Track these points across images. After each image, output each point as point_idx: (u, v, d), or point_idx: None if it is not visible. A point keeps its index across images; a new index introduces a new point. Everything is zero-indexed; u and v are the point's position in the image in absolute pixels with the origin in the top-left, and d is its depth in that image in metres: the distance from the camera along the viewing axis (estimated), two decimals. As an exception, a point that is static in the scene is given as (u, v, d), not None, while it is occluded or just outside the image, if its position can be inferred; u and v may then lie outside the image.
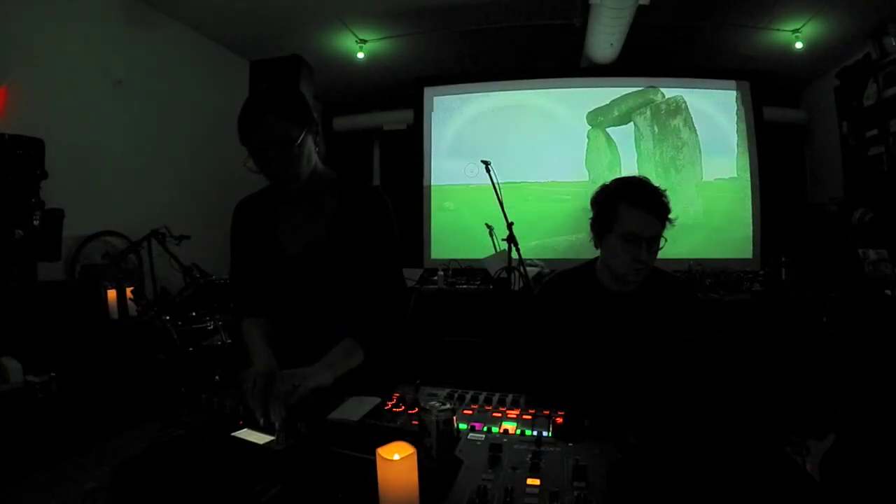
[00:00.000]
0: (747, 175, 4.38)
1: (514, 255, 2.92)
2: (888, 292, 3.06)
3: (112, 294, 2.83)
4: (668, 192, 1.34)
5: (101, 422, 2.49)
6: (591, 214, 1.43)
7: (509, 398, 1.16)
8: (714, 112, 4.47)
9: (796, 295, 3.36)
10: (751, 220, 4.35)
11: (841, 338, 2.04)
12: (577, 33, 4.20)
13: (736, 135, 4.43)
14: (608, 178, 1.44)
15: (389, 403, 1.10)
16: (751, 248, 4.33)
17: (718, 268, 3.85)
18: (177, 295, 3.24)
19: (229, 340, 2.82)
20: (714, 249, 4.30)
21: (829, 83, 4.62)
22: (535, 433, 0.97)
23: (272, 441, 0.92)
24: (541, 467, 0.84)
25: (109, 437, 2.46)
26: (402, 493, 0.69)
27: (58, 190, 2.76)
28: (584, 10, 3.88)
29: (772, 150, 4.44)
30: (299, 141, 1.22)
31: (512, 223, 2.86)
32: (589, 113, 4.59)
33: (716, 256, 4.20)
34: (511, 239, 2.89)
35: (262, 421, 1.00)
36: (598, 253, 1.47)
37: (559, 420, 1.00)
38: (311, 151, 1.28)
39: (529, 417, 1.04)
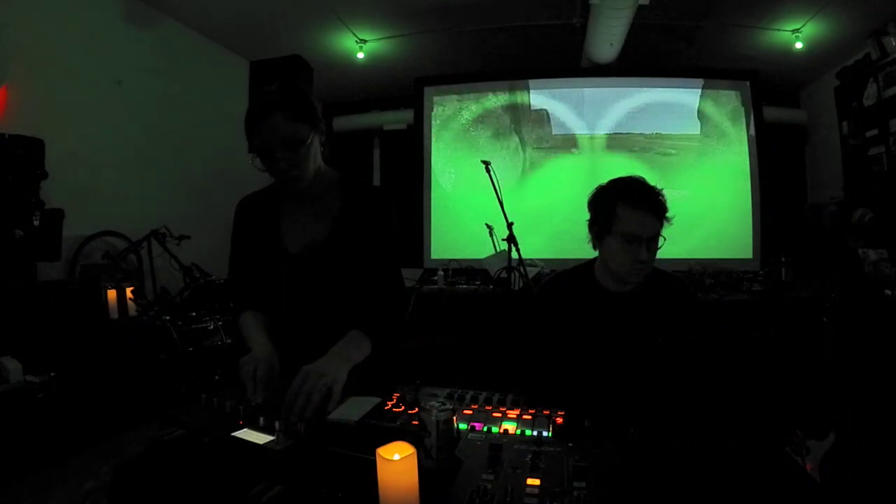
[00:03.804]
0: (747, 175, 4.38)
1: (514, 255, 2.92)
2: (888, 292, 3.06)
3: (112, 294, 2.83)
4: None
5: (101, 422, 2.50)
6: (588, 216, 1.43)
7: (509, 398, 1.15)
8: (714, 112, 4.47)
9: (796, 295, 3.37)
10: (751, 221, 4.35)
11: (841, 338, 2.04)
12: (577, 33, 4.20)
13: (736, 135, 4.43)
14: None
15: (389, 403, 1.09)
16: (751, 248, 4.33)
17: (718, 268, 3.85)
18: (177, 295, 3.24)
19: (229, 340, 2.82)
20: (714, 249, 4.29)
21: (829, 83, 4.62)
22: (535, 433, 0.97)
23: (272, 441, 0.91)
24: (541, 467, 0.84)
25: (109, 437, 2.46)
26: (402, 493, 0.69)
27: (58, 190, 2.76)
28: (584, 10, 3.88)
29: (772, 150, 4.43)
30: (308, 141, 1.22)
31: (512, 223, 2.86)
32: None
33: (716, 256, 4.20)
34: (511, 239, 2.88)
35: (257, 401, 1.02)
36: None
37: (559, 420, 1.00)
38: (318, 152, 1.29)
39: (529, 417, 1.04)
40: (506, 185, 4.49)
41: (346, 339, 1.19)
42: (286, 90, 1.24)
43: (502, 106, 4.68)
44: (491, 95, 4.70)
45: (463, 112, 4.73)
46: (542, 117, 4.61)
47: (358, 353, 1.18)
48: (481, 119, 4.69)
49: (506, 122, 4.64)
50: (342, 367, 1.10)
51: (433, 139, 4.74)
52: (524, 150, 4.61)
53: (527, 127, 4.62)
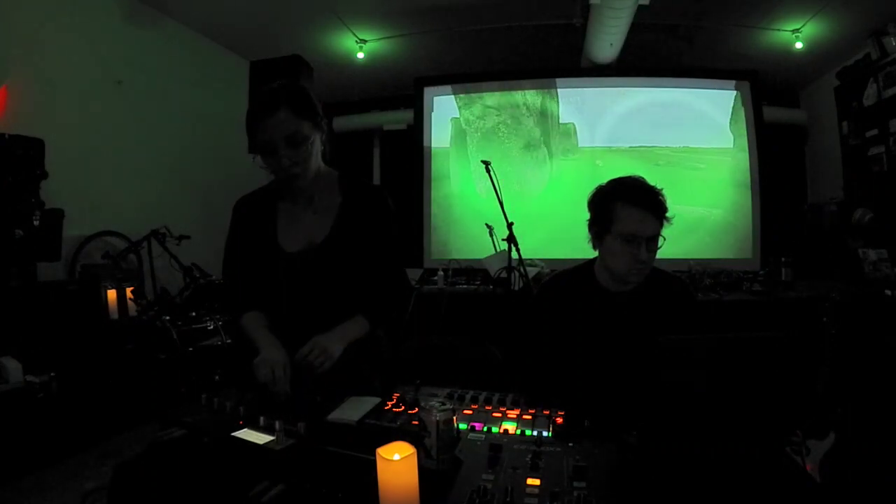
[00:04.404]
0: (747, 175, 4.38)
1: (514, 255, 2.92)
2: (888, 292, 3.06)
3: (112, 294, 2.83)
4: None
5: (101, 422, 2.50)
6: (588, 216, 1.43)
7: (509, 398, 1.16)
8: (714, 112, 4.46)
9: (796, 295, 3.37)
10: (751, 220, 4.35)
11: (841, 338, 2.04)
12: (577, 33, 4.20)
13: (736, 135, 4.42)
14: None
15: (389, 403, 1.09)
16: (751, 248, 4.33)
17: (718, 268, 3.85)
18: (177, 295, 3.25)
19: (229, 340, 2.82)
20: (714, 249, 4.29)
21: (829, 83, 4.62)
22: (535, 433, 0.97)
23: (272, 441, 0.92)
24: (541, 467, 0.84)
25: (109, 437, 2.47)
26: (402, 493, 0.69)
27: (58, 190, 2.76)
28: (584, 10, 3.88)
29: (772, 150, 4.43)
30: (311, 139, 1.23)
31: (512, 223, 2.86)
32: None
33: (716, 256, 4.20)
34: (511, 239, 2.88)
35: (282, 397, 1.11)
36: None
37: (559, 420, 1.00)
38: (319, 151, 1.29)
39: (529, 417, 1.04)
40: (635, 150, 4.42)
41: (349, 322, 1.28)
42: (290, 87, 1.24)
43: (533, 119, 4.61)
44: (491, 95, 4.68)
45: (464, 112, 4.72)
46: (570, 131, 4.58)
47: (353, 334, 1.27)
48: (482, 118, 4.66)
49: (536, 134, 4.61)
50: (341, 346, 1.22)
51: (433, 139, 4.73)
52: (551, 161, 4.58)
53: (555, 140, 4.58)
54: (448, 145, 4.71)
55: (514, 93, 4.66)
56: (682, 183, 4.36)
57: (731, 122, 4.44)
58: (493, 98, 4.69)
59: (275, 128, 1.19)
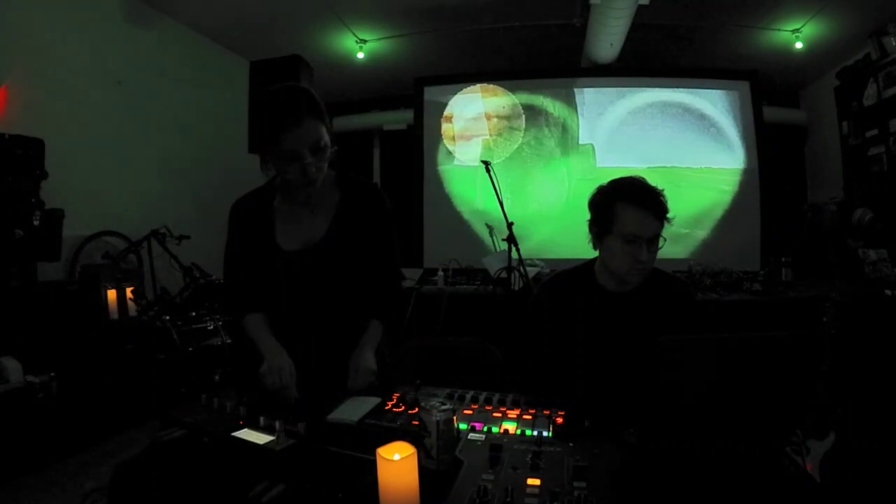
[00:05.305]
0: (747, 175, 4.37)
1: (515, 255, 2.92)
2: (888, 292, 3.06)
3: (112, 294, 2.83)
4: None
5: (101, 422, 2.50)
6: (588, 216, 1.43)
7: (509, 398, 1.16)
8: (714, 112, 4.46)
9: (796, 295, 3.37)
10: (751, 221, 4.34)
11: (841, 338, 2.04)
12: (577, 33, 4.20)
13: (736, 135, 4.42)
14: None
15: (389, 403, 1.10)
16: (751, 248, 4.32)
17: (718, 268, 3.85)
18: (177, 295, 3.24)
19: (229, 340, 2.82)
20: (714, 250, 4.29)
21: (829, 83, 4.61)
22: (535, 433, 0.97)
23: (272, 441, 0.92)
24: (541, 467, 0.84)
25: (109, 437, 2.47)
26: (402, 493, 0.69)
27: (58, 190, 2.76)
28: (584, 10, 3.88)
29: (772, 150, 4.43)
30: (332, 145, 1.24)
31: (512, 223, 2.86)
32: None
33: (716, 257, 4.19)
34: (511, 239, 2.88)
35: (292, 401, 1.14)
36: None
37: (559, 420, 1.00)
38: None
39: (529, 417, 1.04)
40: (653, 170, 4.30)
41: (370, 331, 1.34)
42: (308, 93, 1.23)
43: (554, 140, 4.57)
44: (491, 96, 4.67)
45: (465, 112, 4.71)
46: (589, 151, 4.55)
47: (376, 341, 1.34)
48: (536, 150, 4.61)
49: (556, 154, 4.59)
50: (373, 356, 1.30)
51: (433, 139, 4.71)
52: (570, 181, 4.56)
53: (574, 158, 4.56)
54: (476, 164, 4.62)
55: (527, 94, 4.62)
56: (696, 203, 4.34)
57: (734, 127, 4.41)
58: (509, 98, 4.66)
59: (301, 137, 1.17)
